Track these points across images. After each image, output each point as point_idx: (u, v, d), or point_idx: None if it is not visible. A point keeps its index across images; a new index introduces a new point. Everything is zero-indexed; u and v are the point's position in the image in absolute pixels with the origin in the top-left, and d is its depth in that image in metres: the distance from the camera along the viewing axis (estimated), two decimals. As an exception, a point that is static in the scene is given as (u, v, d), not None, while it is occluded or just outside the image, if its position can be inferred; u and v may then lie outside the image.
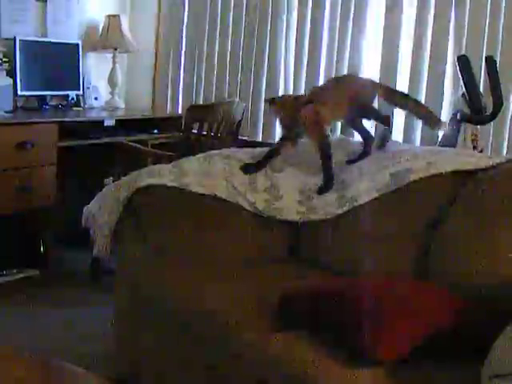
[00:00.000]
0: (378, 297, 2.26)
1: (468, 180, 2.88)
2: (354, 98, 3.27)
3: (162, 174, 3.20)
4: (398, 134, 4.41)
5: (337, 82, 3.57)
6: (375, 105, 3.46)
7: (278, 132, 5.07)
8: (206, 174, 3.26)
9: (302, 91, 4.90)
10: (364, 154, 3.28)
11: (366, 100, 3.34)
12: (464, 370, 2.10)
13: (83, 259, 4.74)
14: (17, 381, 1.94)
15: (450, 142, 3.83)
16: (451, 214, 2.81)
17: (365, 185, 3.03)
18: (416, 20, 4.33)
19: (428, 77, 4.30)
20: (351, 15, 4.62)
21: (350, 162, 3.28)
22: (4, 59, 4.62)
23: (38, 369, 2.05)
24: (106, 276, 4.51)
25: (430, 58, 4.28)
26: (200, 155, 3.46)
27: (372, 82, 3.52)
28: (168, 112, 5.72)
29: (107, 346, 3.40)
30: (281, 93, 5.05)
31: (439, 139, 4.10)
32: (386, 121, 3.39)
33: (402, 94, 3.54)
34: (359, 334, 2.12)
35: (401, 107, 3.51)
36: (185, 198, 3.15)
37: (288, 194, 3.26)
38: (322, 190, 3.18)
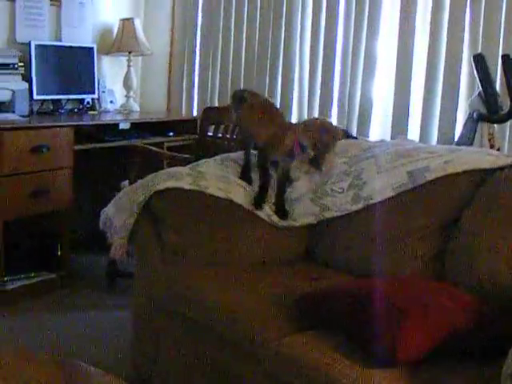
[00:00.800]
0: (394, 297, 2.25)
1: (485, 179, 2.87)
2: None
3: (179, 177, 3.20)
4: (414, 133, 4.39)
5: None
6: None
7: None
8: (223, 177, 3.27)
9: (317, 92, 4.89)
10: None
11: None
12: (483, 371, 2.09)
13: (99, 262, 4.77)
14: (36, 381, 1.94)
15: (466, 141, 3.82)
16: (468, 212, 2.80)
17: (381, 183, 3.02)
18: (431, 19, 4.31)
19: (444, 76, 4.27)
20: (366, 14, 4.60)
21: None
22: (19, 64, 4.63)
23: (57, 369, 2.06)
24: (122, 279, 4.52)
25: (446, 57, 4.26)
26: (217, 158, 3.46)
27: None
28: (183, 114, 5.72)
29: (123, 348, 3.42)
30: (296, 94, 5.04)
31: (456, 139, 4.09)
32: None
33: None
34: (376, 335, 2.12)
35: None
36: (202, 200, 3.15)
37: (302, 196, 3.26)
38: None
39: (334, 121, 4.78)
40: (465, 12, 4.17)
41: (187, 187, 3.16)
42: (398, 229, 2.92)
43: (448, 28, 4.24)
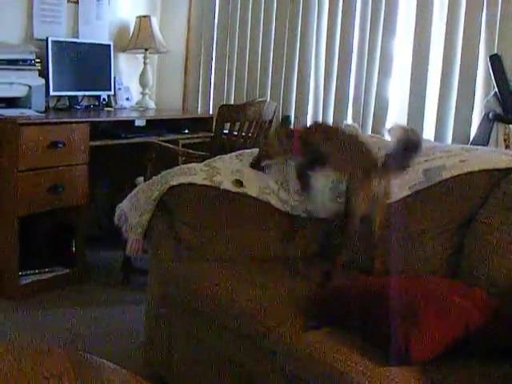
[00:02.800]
0: (410, 295, 2.25)
1: (501, 178, 2.87)
2: None
3: (193, 173, 3.21)
4: (429, 133, 4.38)
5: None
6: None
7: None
8: (238, 172, 3.27)
9: (332, 91, 4.89)
10: None
11: None
12: (497, 369, 2.09)
13: (114, 258, 4.79)
14: (51, 375, 1.95)
15: (481, 141, 3.81)
16: (484, 212, 2.80)
17: (397, 181, 3.01)
18: (447, 19, 4.29)
19: (459, 76, 4.26)
20: (382, 13, 4.59)
21: None
22: (36, 60, 4.65)
23: (70, 363, 2.07)
24: (137, 275, 4.53)
25: (462, 57, 4.24)
26: (232, 154, 3.47)
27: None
28: (199, 112, 5.73)
29: (137, 343, 3.43)
30: (311, 94, 5.04)
31: (471, 139, 4.08)
32: None
33: None
34: (391, 333, 2.12)
35: None
36: (216, 196, 3.16)
37: (319, 193, 3.26)
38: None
39: (349, 120, 4.78)
40: (481, 12, 4.15)
41: (201, 182, 3.17)
42: (414, 227, 2.92)
43: (464, 28, 4.22)
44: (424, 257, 2.85)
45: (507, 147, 3.75)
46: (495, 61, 3.79)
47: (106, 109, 5.32)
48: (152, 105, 5.70)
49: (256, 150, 3.42)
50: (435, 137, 4.34)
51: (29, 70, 4.60)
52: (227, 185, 3.20)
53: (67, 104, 5.09)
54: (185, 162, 4.05)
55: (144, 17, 5.54)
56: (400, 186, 3.00)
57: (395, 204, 2.99)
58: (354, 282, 2.55)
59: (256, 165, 3.30)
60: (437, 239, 2.87)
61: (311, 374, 2.22)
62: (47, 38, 4.82)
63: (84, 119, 4.54)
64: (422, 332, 2.08)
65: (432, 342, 2.09)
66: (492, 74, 3.83)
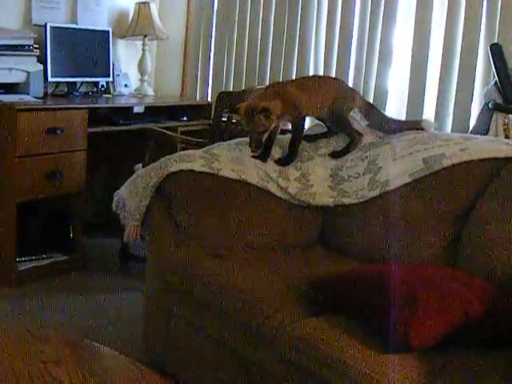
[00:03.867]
0: (410, 283, 2.25)
1: (501, 168, 2.87)
2: (330, 103, 3.39)
3: (191, 160, 3.20)
4: (428, 122, 4.37)
5: (319, 81, 3.59)
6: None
7: (308, 120, 5.06)
8: (237, 159, 3.26)
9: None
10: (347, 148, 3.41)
11: (342, 110, 3.42)
12: (496, 358, 2.09)
13: (112, 245, 4.79)
14: (50, 361, 1.95)
15: (481, 130, 3.81)
16: (483, 200, 2.80)
17: (397, 169, 3.02)
18: (448, 8, 4.28)
19: (459, 65, 4.25)
20: (382, 4, 4.58)
21: (334, 155, 3.42)
22: (35, 45, 4.63)
23: (69, 348, 2.07)
24: (135, 262, 4.53)
25: (462, 46, 4.23)
26: (231, 141, 3.46)
27: (353, 93, 3.56)
28: (197, 99, 5.71)
29: (135, 330, 3.42)
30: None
31: (470, 128, 4.07)
32: (353, 142, 3.42)
33: (377, 111, 3.61)
34: (390, 321, 2.12)
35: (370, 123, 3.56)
36: (215, 183, 3.15)
37: (318, 181, 3.26)
38: (281, 162, 3.33)
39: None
40: (482, 1, 4.14)
41: (199, 169, 3.16)
42: (414, 215, 2.92)
43: (464, 17, 4.21)
44: (423, 245, 2.86)
45: (507, 137, 3.74)
46: (495, 50, 3.78)
47: (104, 95, 5.30)
48: (151, 91, 5.69)
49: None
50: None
51: (27, 55, 4.57)
52: (226, 172, 3.19)
53: (65, 90, 5.06)
54: (183, 149, 4.04)
55: (143, 3, 5.51)
56: (400, 174, 3.00)
57: (395, 191, 2.99)
58: (354, 270, 2.55)
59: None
60: (436, 228, 2.87)
61: (310, 362, 2.22)
62: (46, 24, 4.80)
63: (82, 105, 4.53)
64: (421, 319, 2.08)
65: (431, 330, 2.08)
66: (492, 63, 3.82)
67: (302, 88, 3.34)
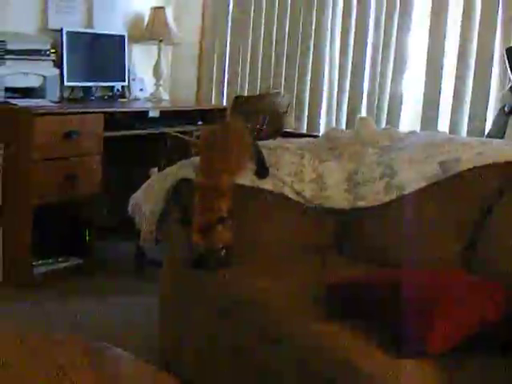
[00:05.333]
0: (425, 287, 2.24)
1: (517, 172, 2.86)
2: None
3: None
4: (443, 126, 4.36)
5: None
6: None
7: (323, 124, 5.07)
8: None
9: (346, 85, 4.88)
10: None
11: None
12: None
13: (127, 248, 4.79)
14: (66, 364, 1.96)
15: (497, 134, 3.79)
16: (499, 204, 2.79)
17: (413, 173, 3.01)
18: (463, 12, 4.28)
19: (475, 69, 4.25)
20: (397, 6, 4.58)
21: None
22: (51, 50, 4.66)
23: (84, 352, 2.07)
24: (150, 265, 4.54)
25: (477, 50, 4.23)
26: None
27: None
28: (212, 103, 5.73)
29: (150, 334, 3.43)
30: (325, 87, 5.03)
31: (486, 132, 4.06)
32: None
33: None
34: (407, 325, 2.11)
35: None
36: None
37: (334, 183, 3.25)
38: (258, 175, 3.20)
39: (363, 113, 4.77)
40: (498, 5, 4.13)
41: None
42: (430, 219, 2.91)
43: (480, 21, 4.21)
44: (438, 249, 2.84)
45: (523, 141, 3.73)
46: (511, 54, 3.77)
47: (119, 100, 5.32)
48: (166, 96, 5.70)
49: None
50: (450, 130, 4.33)
51: (44, 60, 4.61)
52: (240, 179, 3.19)
53: (81, 94, 5.09)
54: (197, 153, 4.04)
55: (159, 8, 5.54)
56: (415, 178, 2.99)
57: (410, 196, 2.99)
58: (370, 274, 2.55)
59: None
60: (452, 232, 2.85)
61: (324, 365, 2.22)
62: (62, 29, 4.82)
63: (98, 109, 4.55)
64: (437, 324, 2.07)
65: (447, 335, 2.08)
66: (508, 66, 3.81)
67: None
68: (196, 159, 3.32)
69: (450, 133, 4.30)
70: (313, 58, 5.08)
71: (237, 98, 4.45)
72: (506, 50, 3.86)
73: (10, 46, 4.36)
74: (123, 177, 5.32)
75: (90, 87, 5.14)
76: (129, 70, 5.42)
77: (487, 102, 4.21)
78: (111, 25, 5.38)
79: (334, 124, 4.93)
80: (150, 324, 3.57)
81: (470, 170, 2.90)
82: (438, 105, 4.44)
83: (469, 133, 4.26)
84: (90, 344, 2.19)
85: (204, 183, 2.91)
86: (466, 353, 2.10)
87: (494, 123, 3.93)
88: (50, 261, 4.41)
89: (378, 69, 4.71)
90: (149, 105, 5.36)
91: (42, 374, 1.88)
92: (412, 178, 3.00)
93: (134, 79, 5.53)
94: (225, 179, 2.92)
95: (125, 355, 2.13)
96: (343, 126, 4.86)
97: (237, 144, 3.11)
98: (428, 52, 4.46)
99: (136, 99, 5.50)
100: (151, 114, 5.13)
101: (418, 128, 4.44)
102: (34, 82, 4.54)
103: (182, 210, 3.11)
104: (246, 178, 3.18)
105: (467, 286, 2.29)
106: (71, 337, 2.19)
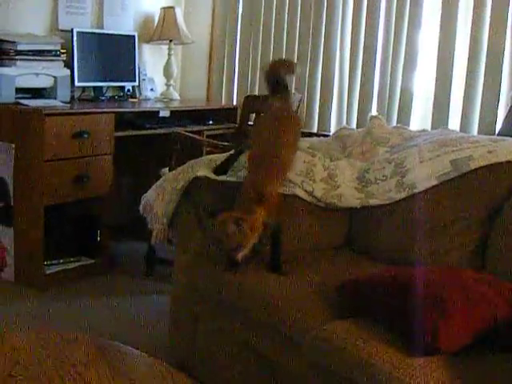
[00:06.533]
0: (436, 286, 2.24)
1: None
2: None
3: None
4: (454, 125, 4.35)
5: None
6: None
7: (334, 123, 5.07)
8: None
9: (357, 83, 4.87)
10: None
11: None
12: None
13: (138, 248, 4.81)
14: (79, 363, 1.96)
15: (508, 132, 3.78)
16: (511, 203, 2.78)
17: (425, 171, 3.01)
18: (473, 10, 4.26)
19: (485, 67, 4.23)
20: (407, 6, 4.57)
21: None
22: (62, 50, 4.67)
23: (98, 351, 2.08)
24: (161, 265, 4.55)
25: (488, 48, 4.22)
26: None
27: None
28: (223, 103, 5.73)
29: (161, 333, 3.44)
30: (336, 85, 5.02)
31: (497, 130, 4.05)
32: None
33: None
34: (418, 324, 2.11)
35: None
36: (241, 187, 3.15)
37: (345, 182, 3.25)
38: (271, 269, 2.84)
39: (374, 112, 4.76)
40: (508, 2, 4.12)
41: (227, 179, 3.17)
42: (441, 218, 2.90)
43: (490, 19, 4.19)
44: (450, 248, 2.84)
45: (534, 139, 3.72)
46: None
47: (130, 100, 5.33)
48: (176, 96, 5.71)
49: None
50: (461, 128, 4.31)
51: (54, 60, 4.62)
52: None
53: (92, 95, 5.11)
54: (209, 153, 4.04)
55: (169, 8, 5.54)
56: (427, 176, 2.99)
57: (422, 194, 2.98)
58: (382, 273, 2.55)
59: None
60: (463, 230, 2.85)
61: (338, 364, 2.21)
62: (72, 29, 4.84)
63: (109, 109, 4.56)
64: (449, 322, 2.07)
65: (460, 333, 2.08)
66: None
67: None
68: (207, 157, 3.33)
69: (460, 131, 4.29)
70: (323, 57, 5.08)
71: (248, 97, 4.44)
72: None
73: (20, 47, 4.38)
74: (134, 176, 5.33)
75: (100, 87, 5.16)
76: (139, 70, 5.44)
77: (498, 99, 4.20)
78: (121, 25, 5.39)
79: (344, 123, 4.92)
80: (160, 324, 3.59)
81: (481, 168, 2.90)
82: (449, 103, 4.43)
83: (479, 131, 4.25)
84: (102, 343, 2.20)
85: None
86: (478, 351, 2.11)
87: (505, 121, 3.92)
88: (61, 261, 4.43)
89: (389, 67, 4.70)
90: (159, 105, 5.37)
91: (56, 374, 1.89)
92: (423, 177, 3.00)
93: (144, 79, 5.54)
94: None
95: (137, 354, 2.14)
96: (354, 125, 4.85)
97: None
98: (438, 50, 4.45)
99: (146, 99, 5.51)
100: (162, 113, 5.14)
101: (428, 126, 4.43)
102: (44, 82, 4.55)
103: (194, 208, 3.12)
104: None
105: (479, 284, 2.28)
106: (83, 336, 2.19)
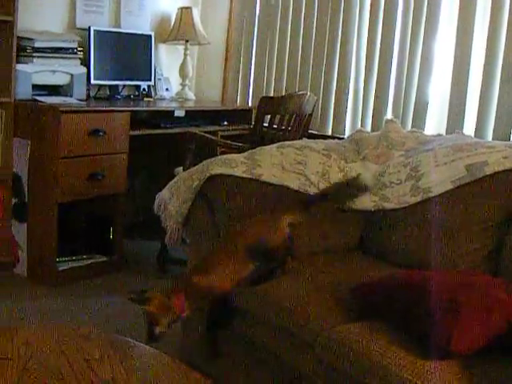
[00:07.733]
0: (451, 289, 2.24)
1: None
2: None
3: (233, 164, 3.21)
4: (469, 129, 4.34)
5: None
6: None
7: (348, 126, 5.06)
8: (279, 165, 3.27)
9: (372, 89, 4.86)
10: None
11: None
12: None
13: (150, 247, 4.81)
14: (92, 358, 1.97)
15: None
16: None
17: (439, 175, 3.01)
18: (490, 17, 4.25)
19: (501, 73, 4.21)
20: (424, 12, 4.56)
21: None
22: (79, 48, 4.69)
23: (112, 347, 2.09)
24: (173, 265, 4.55)
25: (504, 54, 4.20)
26: (273, 145, 3.46)
27: None
28: (238, 104, 5.73)
29: (173, 331, 3.43)
30: (351, 91, 5.02)
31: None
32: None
33: None
34: (432, 326, 2.11)
35: None
36: (257, 187, 3.16)
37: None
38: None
39: (389, 115, 4.75)
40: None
41: (241, 175, 3.17)
42: (456, 222, 2.90)
43: (507, 26, 4.17)
44: (464, 252, 2.84)
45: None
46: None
47: (145, 99, 5.35)
48: (191, 96, 5.72)
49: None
50: (475, 134, 4.29)
51: (71, 58, 4.65)
52: (267, 177, 3.19)
53: (108, 93, 5.13)
54: (223, 153, 4.05)
55: (186, 8, 5.55)
56: (442, 181, 2.99)
57: (436, 198, 2.98)
58: (395, 276, 2.54)
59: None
60: (478, 235, 2.85)
61: (351, 367, 2.22)
62: (89, 28, 4.86)
63: (124, 108, 4.57)
64: (463, 326, 2.07)
65: (473, 337, 2.08)
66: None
67: None
68: (221, 157, 3.34)
69: (475, 136, 4.28)
70: (339, 60, 5.07)
71: (263, 98, 4.44)
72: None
73: (37, 44, 4.40)
74: (148, 175, 5.35)
75: (116, 86, 5.17)
76: (155, 70, 5.45)
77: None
78: (138, 24, 5.41)
79: (359, 126, 4.92)
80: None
81: (496, 173, 2.90)
82: (464, 109, 4.41)
83: (494, 137, 4.23)
84: (115, 339, 2.20)
85: None
86: (491, 355, 2.10)
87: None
88: (74, 258, 4.44)
89: (405, 71, 4.68)
90: (174, 104, 5.38)
91: (70, 369, 1.90)
92: (438, 181, 3.00)
93: (159, 79, 5.55)
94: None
95: (150, 350, 2.15)
96: (368, 129, 4.84)
97: None
98: (455, 55, 4.43)
99: (162, 99, 5.52)
100: (177, 113, 5.16)
101: (443, 131, 4.42)
102: (61, 79, 4.57)
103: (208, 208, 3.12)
104: (273, 177, 3.19)
105: (493, 289, 2.28)
106: (97, 332, 2.20)
